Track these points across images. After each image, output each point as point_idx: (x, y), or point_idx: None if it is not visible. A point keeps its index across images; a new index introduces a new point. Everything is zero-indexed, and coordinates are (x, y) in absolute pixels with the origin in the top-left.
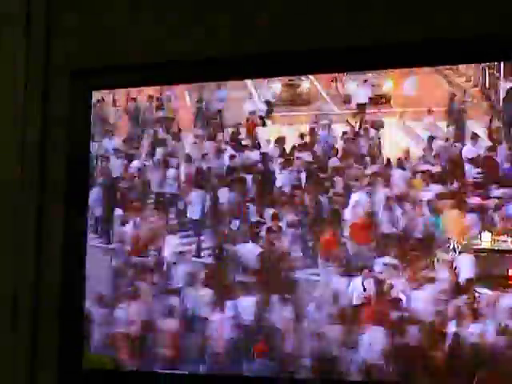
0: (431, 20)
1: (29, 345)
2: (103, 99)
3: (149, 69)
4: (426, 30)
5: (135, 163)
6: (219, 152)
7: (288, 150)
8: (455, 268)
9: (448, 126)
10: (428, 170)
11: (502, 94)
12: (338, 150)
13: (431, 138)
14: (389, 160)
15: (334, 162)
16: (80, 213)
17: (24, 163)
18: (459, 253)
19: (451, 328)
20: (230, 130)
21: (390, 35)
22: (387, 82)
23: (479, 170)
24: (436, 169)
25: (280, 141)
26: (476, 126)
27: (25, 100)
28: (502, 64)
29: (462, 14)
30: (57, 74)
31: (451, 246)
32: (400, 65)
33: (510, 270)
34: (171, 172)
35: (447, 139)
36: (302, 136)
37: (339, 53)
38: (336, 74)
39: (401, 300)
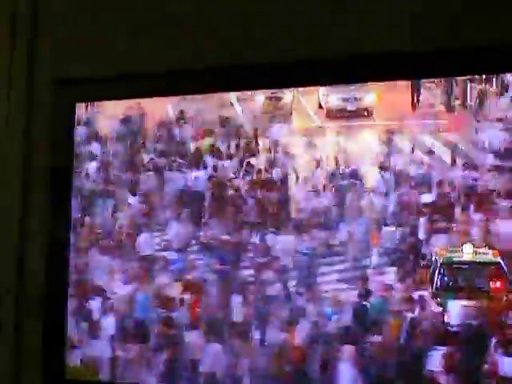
0: (414, 32)
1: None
2: None
3: (132, 81)
4: (408, 42)
5: None
6: None
7: None
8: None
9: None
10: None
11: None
12: None
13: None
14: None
15: None
16: (63, 211)
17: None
18: (441, 265)
19: None
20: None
21: (371, 47)
22: (369, 95)
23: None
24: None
25: None
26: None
27: (8, 110)
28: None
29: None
30: (41, 84)
31: (433, 258)
32: (383, 78)
33: (491, 283)
34: None
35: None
36: None
37: (321, 65)
38: (318, 87)
39: None
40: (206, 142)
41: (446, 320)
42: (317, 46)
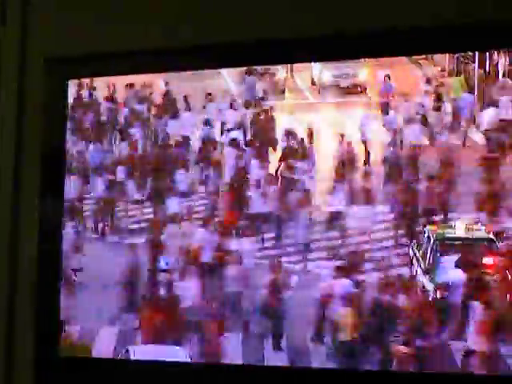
0: (406, 9)
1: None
2: None
3: (125, 57)
4: (401, 18)
5: None
6: None
7: None
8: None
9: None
10: None
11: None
12: None
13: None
14: None
15: None
16: (56, 194)
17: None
18: (434, 241)
19: None
20: None
21: (365, 24)
22: (363, 71)
23: None
24: None
25: None
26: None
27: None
28: (476, 54)
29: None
30: (32, 63)
31: (425, 235)
32: (376, 54)
33: (483, 259)
34: None
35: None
36: None
37: (314, 42)
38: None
39: None
40: None
41: (437, 296)
42: (312, 22)
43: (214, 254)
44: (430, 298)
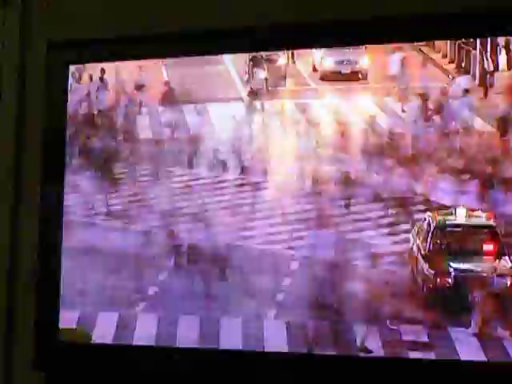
0: None
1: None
2: None
3: (126, 42)
4: (404, 5)
5: None
6: None
7: None
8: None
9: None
10: None
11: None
12: None
13: None
14: None
15: None
16: (56, 180)
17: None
18: (434, 228)
19: None
20: None
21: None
22: (364, 58)
23: None
24: None
25: None
26: None
27: (1, 73)
28: (477, 41)
29: None
30: (33, 47)
31: (426, 221)
32: (377, 40)
33: (484, 246)
34: None
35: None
36: None
37: (316, 28)
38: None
39: None
40: None
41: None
42: (312, 8)
43: None
44: (431, 285)
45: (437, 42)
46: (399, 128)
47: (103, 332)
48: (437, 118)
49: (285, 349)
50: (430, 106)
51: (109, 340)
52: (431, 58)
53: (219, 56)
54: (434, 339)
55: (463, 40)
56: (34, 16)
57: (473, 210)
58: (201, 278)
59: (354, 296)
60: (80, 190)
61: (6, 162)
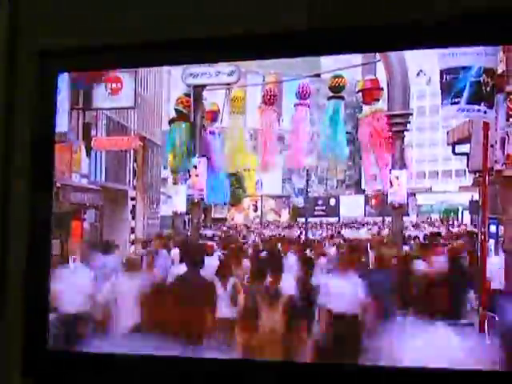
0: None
1: None
2: None
3: (117, 51)
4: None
5: None
6: None
7: None
8: None
9: None
10: None
11: None
12: None
13: None
14: None
15: None
16: (45, 190)
17: None
18: None
19: None
20: None
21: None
22: None
23: None
24: None
25: None
26: None
27: None
28: None
29: None
30: (24, 55)
31: None
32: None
33: None
34: None
35: None
36: None
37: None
38: None
39: None
40: None
41: None
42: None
43: None
44: None
45: None
46: None
47: None
48: None
49: None
50: None
51: None
52: None
53: None
54: None
55: None
56: (24, 23)
57: None
58: None
59: None
60: None
61: None
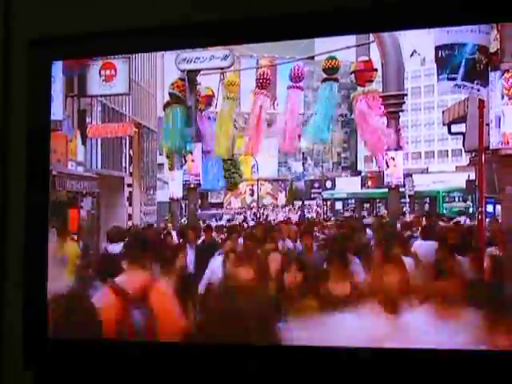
0: None
1: None
2: None
3: (110, 37)
4: None
5: None
6: None
7: None
8: None
9: None
10: None
11: None
12: None
13: None
14: None
15: None
16: (42, 178)
17: None
18: None
19: None
20: None
21: None
22: None
23: None
24: None
25: None
26: None
27: None
28: None
29: None
30: (16, 44)
31: None
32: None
33: None
34: None
35: None
36: None
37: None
38: None
39: None
40: None
41: None
42: None
43: None
44: None
45: None
46: None
47: None
48: None
49: None
50: None
51: None
52: None
53: None
54: None
55: None
56: (16, 8)
57: None
58: None
59: None
60: None
61: None
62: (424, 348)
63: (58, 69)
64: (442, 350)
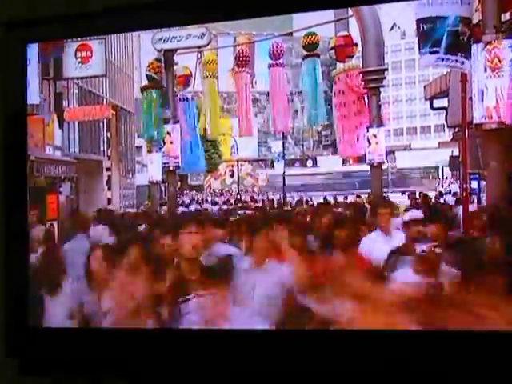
0: None
1: None
2: None
3: (85, 18)
4: None
5: None
6: None
7: None
8: None
9: None
10: None
11: None
12: None
13: None
14: None
15: None
16: (19, 164)
17: None
18: None
19: None
20: None
21: None
22: None
23: None
24: None
25: None
26: None
27: None
28: None
29: None
30: None
31: None
32: None
33: None
34: None
35: None
36: None
37: None
38: None
39: None
40: None
41: None
42: None
43: None
44: None
45: None
46: None
47: None
48: None
49: None
50: None
51: None
52: None
53: None
54: None
55: None
56: None
57: None
58: None
59: None
60: None
61: None
62: None
63: (33, 52)
64: None
